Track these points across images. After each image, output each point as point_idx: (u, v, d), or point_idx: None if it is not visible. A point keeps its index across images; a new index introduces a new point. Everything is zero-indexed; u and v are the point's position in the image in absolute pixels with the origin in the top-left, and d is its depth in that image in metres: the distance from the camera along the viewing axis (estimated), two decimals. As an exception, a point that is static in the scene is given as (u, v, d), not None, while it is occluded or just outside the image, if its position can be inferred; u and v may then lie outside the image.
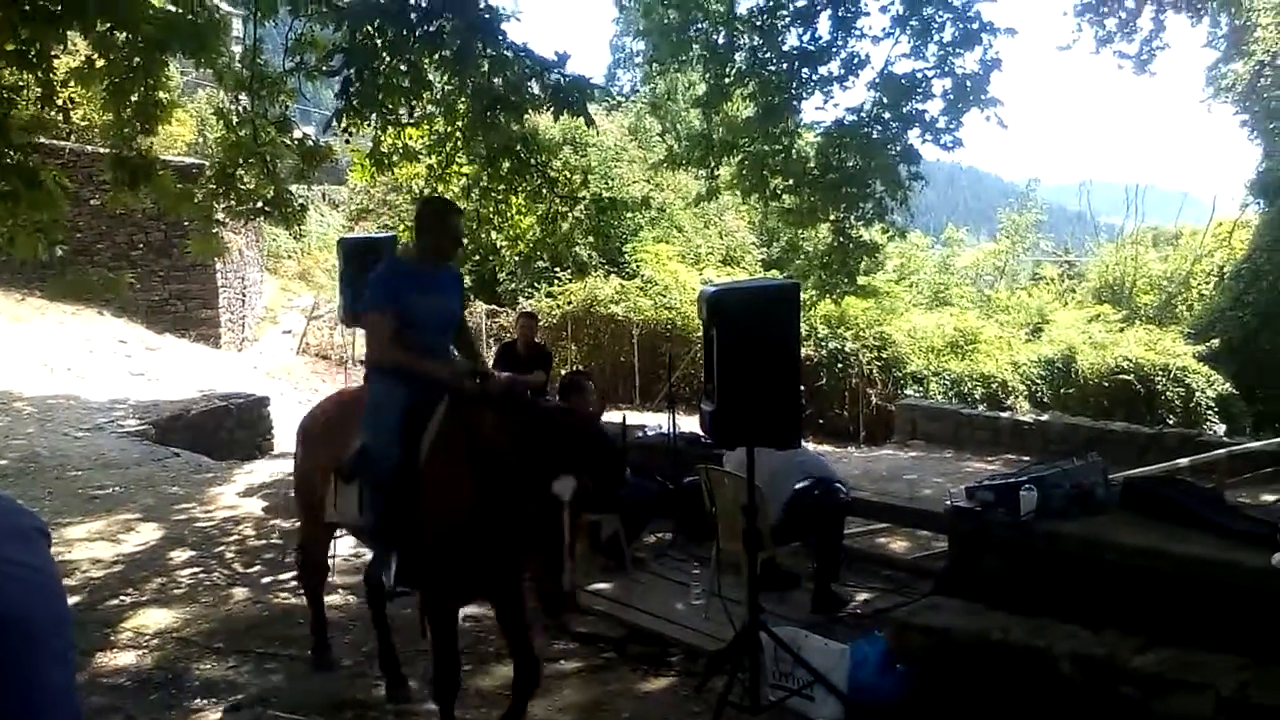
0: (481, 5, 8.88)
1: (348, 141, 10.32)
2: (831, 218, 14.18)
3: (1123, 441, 14.68)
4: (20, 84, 8.66)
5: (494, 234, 12.27)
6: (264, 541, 8.88)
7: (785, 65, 13.40)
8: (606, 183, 26.21)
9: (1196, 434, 16.05)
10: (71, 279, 19.48)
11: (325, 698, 5.55)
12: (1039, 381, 21.38)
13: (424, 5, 8.72)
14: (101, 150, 15.33)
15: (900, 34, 13.19)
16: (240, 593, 7.49)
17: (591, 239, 22.69)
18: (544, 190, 10.96)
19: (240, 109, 10.33)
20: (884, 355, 21.50)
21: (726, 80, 13.84)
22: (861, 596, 7.19)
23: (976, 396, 20.61)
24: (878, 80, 13.28)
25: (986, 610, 5.17)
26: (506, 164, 10.43)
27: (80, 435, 12.85)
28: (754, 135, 13.77)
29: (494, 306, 24.58)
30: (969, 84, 12.80)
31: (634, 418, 11.17)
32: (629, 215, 25.83)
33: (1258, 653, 4.35)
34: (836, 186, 13.51)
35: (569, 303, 23.20)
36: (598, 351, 22.60)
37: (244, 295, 24.62)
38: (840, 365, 21.07)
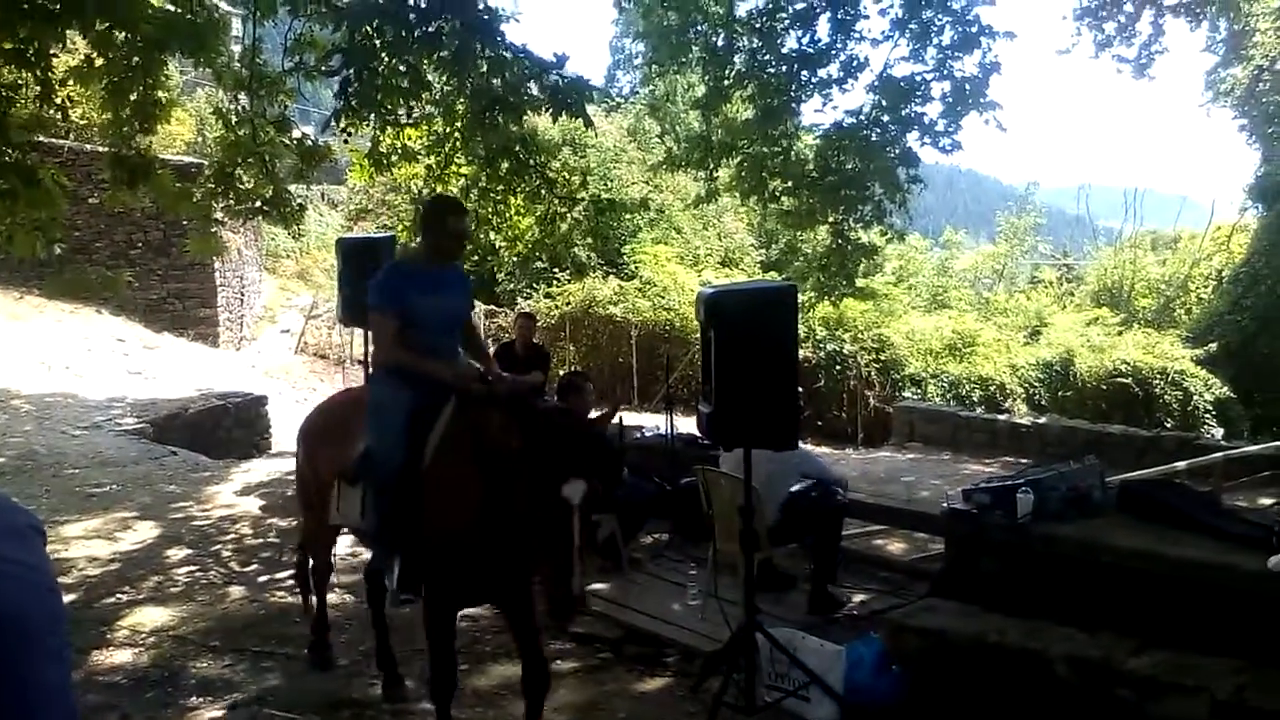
0: (480, 6, 8.89)
1: (346, 141, 10.33)
2: (830, 220, 14.21)
3: (1120, 444, 14.71)
4: (19, 82, 8.67)
5: (492, 234, 12.26)
6: (261, 540, 8.87)
7: (784, 68, 13.42)
8: (605, 184, 26.23)
9: (1194, 437, 16.10)
10: (70, 277, 19.46)
11: (322, 696, 5.54)
12: (1037, 384, 21.42)
13: (423, 6, 8.72)
14: (100, 149, 15.31)
15: (899, 37, 13.22)
16: (237, 591, 7.48)
17: (590, 240, 22.67)
18: (543, 191, 10.96)
19: (239, 108, 10.34)
20: (882, 357, 21.53)
21: (726, 82, 13.86)
22: (858, 598, 7.19)
23: (974, 399, 20.65)
24: (877, 83, 13.31)
25: (982, 612, 5.17)
26: (505, 164, 10.44)
27: (78, 433, 12.84)
28: (753, 137, 13.79)
29: (492, 307, 24.58)
30: (968, 87, 12.84)
31: (632, 418, 11.17)
32: (628, 216, 25.85)
33: (1254, 656, 4.35)
34: (835, 189, 13.53)
35: (567, 303, 23.21)
36: (596, 352, 22.62)
37: (242, 294, 24.61)
38: (838, 367, 21.09)
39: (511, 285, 25.60)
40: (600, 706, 5.48)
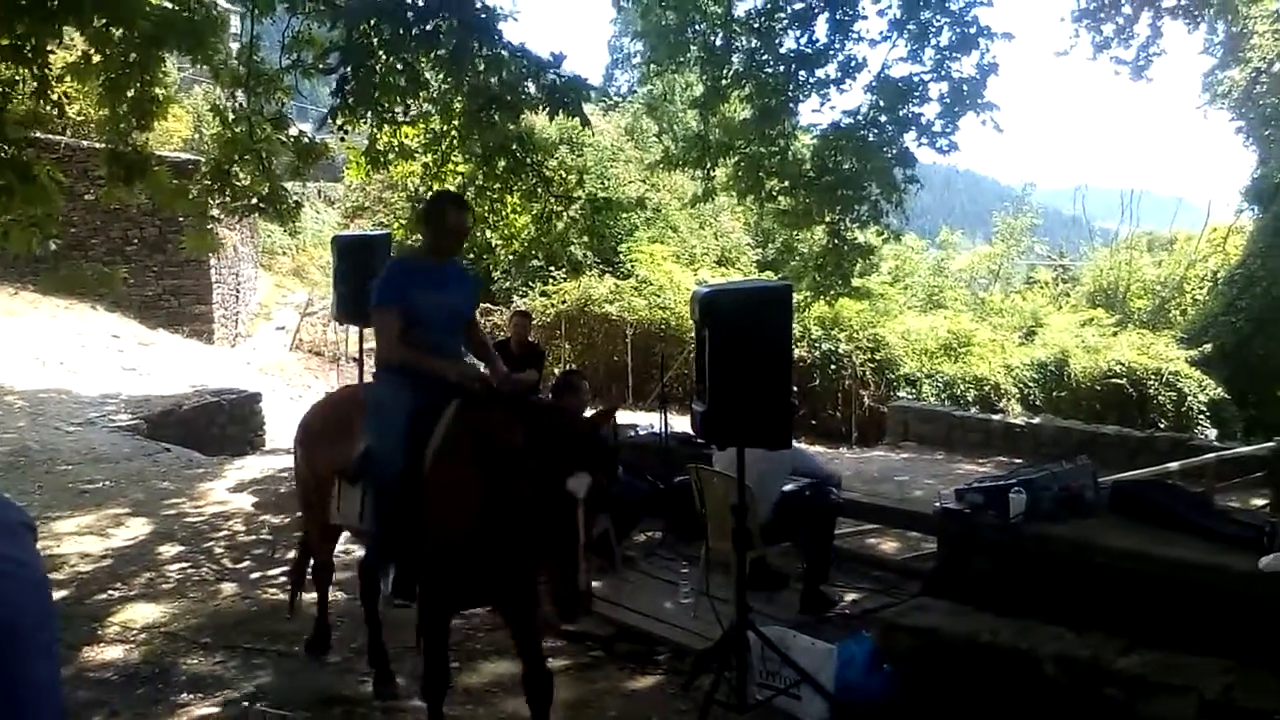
0: (478, 5, 8.89)
1: (343, 139, 10.33)
2: (827, 220, 14.21)
3: (1114, 445, 14.73)
4: (16, 78, 8.67)
5: (489, 232, 12.27)
6: (254, 537, 8.88)
7: (782, 68, 13.42)
8: (602, 183, 26.22)
9: (1188, 438, 16.12)
10: (65, 273, 19.47)
11: (313, 693, 5.55)
12: (1031, 384, 21.45)
13: (420, 4, 8.72)
14: (97, 145, 15.30)
15: (897, 38, 13.22)
16: (229, 588, 7.49)
17: (586, 239, 22.65)
18: (539, 189, 10.96)
19: (236, 105, 10.34)
20: (877, 357, 21.54)
21: (724, 82, 13.86)
22: (850, 597, 7.20)
23: (969, 399, 20.67)
24: (874, 83, 13.31)
25: (974, 611, 5.18)
26: (502, 163, 10.44)
27: (71, 430, 12.84)
28: (750, 137, 13.79)
29: (488, 305, 24.55)
30: (965, 88, 12.84)
31: (626, 417, 11.17)
32: (624, 215, 25.84)
33: (1243, 656, 4.36)
34: (832, 189, 13.53)
35: (563, 302, 23.20)
36: (591, 351, 22.61)
37: (238, 291, 24.62)
38: (834, 366, 21.10)
39: (507, 283, 25.57)
40: (592, 704, 5.49)
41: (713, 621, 5.83)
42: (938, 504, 5.90)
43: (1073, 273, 35.31)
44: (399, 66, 9.09)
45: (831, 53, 13.32)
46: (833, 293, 15.42)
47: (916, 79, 13.07)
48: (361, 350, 10.34)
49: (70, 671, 5.69)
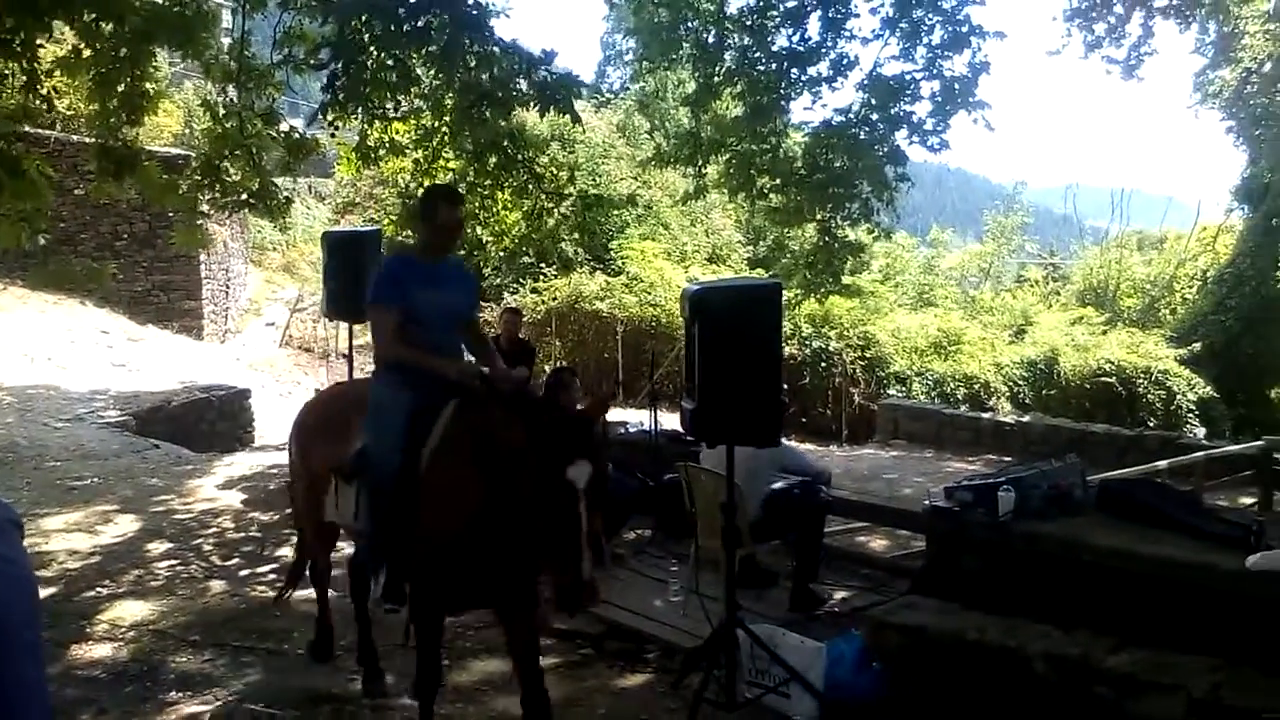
0: (469, 1, 8.87)
1: (333, 135, 10.32)
2: (818, 217, 14.21)
3: (1103, 443, 14.78)
4: (5, 72, 8.63)
5: (480, 229, 12.25)
6: (242, 534, 8.86)
7: (774, 65, 13.43)
8: (594, 179, 26.18)
9: (1176, 436, 16.17)
10: (54, 268, 19.40)
11: (302, 691, 5.54)
12: (1021, 383, 21.47)
13: (411, 0, 8.70)
14: (87, 140, 15.25)
15: (890, 36, 13.23)
16: (218, 585, 7.47)
17: (577, 235, 22.62)
18: (530, 186, 10.96)
19: (227, 101, 10.32)
20: (868, 355, 21.55)
21: (716, 79, 13.86)
22: (839, 595, 7.21)
23: (959, 397, 20.69)
24: (866, 82, 13.32)
25: (962, 610, 5.19)
26: (493, 159, 10.43)
27: (60, 426, 12.80)
28: (742, 134, 13.79)
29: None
30: (957, 87, 12.85)
31: (616, 414, 11.16)
32: (616, 212, 25.79)
33: (1230, 654, 4.38)
34: (823, 186, 13.54)
35: (554, 299, 23.17)
36: (582, 348, 22.58)
37: (228, 287, 24.55)
38: (824, 364, 21.11)
39: (498, 280, 25.52)
40: (581, 702, 5.49)
41: (702, 619, 5.83)
42: (927, 502, 5.91)
43: (1063, 271, 35.35)
44: (390, 62, 9.08)
45: (823, 50, 13.32)
46: (823, 290, 15.43)
47: (908, 77, 13.09)
48: (351, 346, 10.31)
49: (58, 669, 5.68)
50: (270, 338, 25.30)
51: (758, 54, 13.58)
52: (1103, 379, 20.94)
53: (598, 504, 3.87)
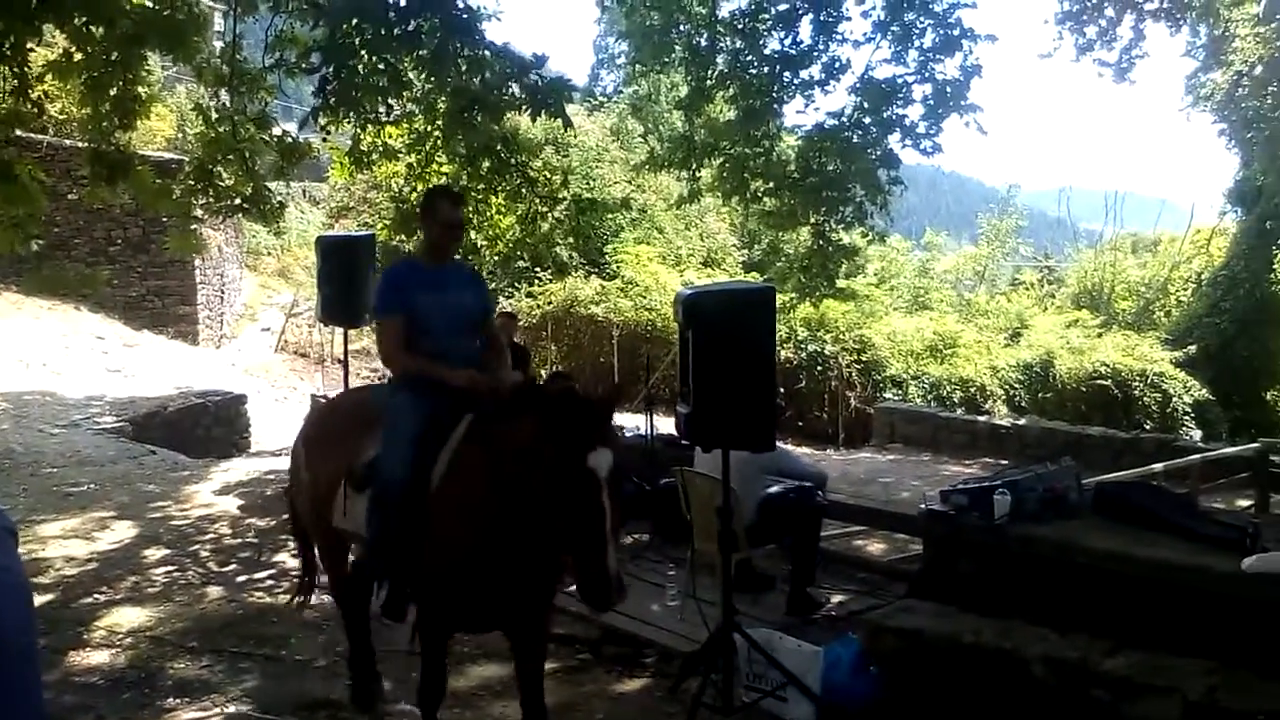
0: (460, 5, 8.87)
1: (325, 139, 10.31)
2: (811, 221, 14.22)
3: (1099, 446, 14.79)
4: (-5, 77, 8.63)
5: (474, 233, 12.25)
6: (239, 540, 8.84)
7: (767, 69, 13.44)
8: (587, 183, 26.20)
9: (1173, 439, 16.19)
10: (48, 274, 19.38)
11: (299, 697, 5.53)
12: (1017, 386, 21.53)
13: (402, 4, 8.70)
14: (80, 144, 15.24)
15: (881, 39, 13.25)
16: (215, 591, 7.46)
17: (572, 239, 22.60)
18: (524, 190, 10.95)
19: (220, 105, 10.31)
20: (863, 358, 21.59)
21: (708, 83, 13.88)
22: (836, 599, 7.20)
23: (955, 400, 20.74)
24: (858, 85, 13.34)
25: (959, 613, 5.18)
26: (486, 163, 10.42)
27: (55, 432, 12.78)
28: (735, 138, 13.80)
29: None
30: (949, 90, 12.87)
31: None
32: (610, 216, 25.82)
33: (1226, 657, 4.38)
34: (817, 190, 13.55)
35: (549, 303, 23.20)
36: (577, 352, 22.61)
37: (223, 292, 24.53)
38: (820, 368, 21.14)
39: (493, 284, 25.53)
40: (578, 707, 5.48)
41: (699, 624, 5.82)
42: (922, 505, 5.91)
43: (1058, 274, 35.46)
44: (381, 66, 9.07)
45: (816, 54, 13.34)
46: (818, 294, 15.45)
47: (900, 80, 13.11)
48: (346, 351, 10.32)
49: (56, 676, 5.67)
50: (266, 343, 25.29)
51: (750, 57, 13.59)
52: (1098, 382, 21.01)
53: (618, 494, 3.74)
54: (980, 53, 12.84)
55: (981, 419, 17.70)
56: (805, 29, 13.38)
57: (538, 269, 24.20)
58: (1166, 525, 5.00)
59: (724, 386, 4.98)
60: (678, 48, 14.05)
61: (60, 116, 19.65)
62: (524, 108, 9.39)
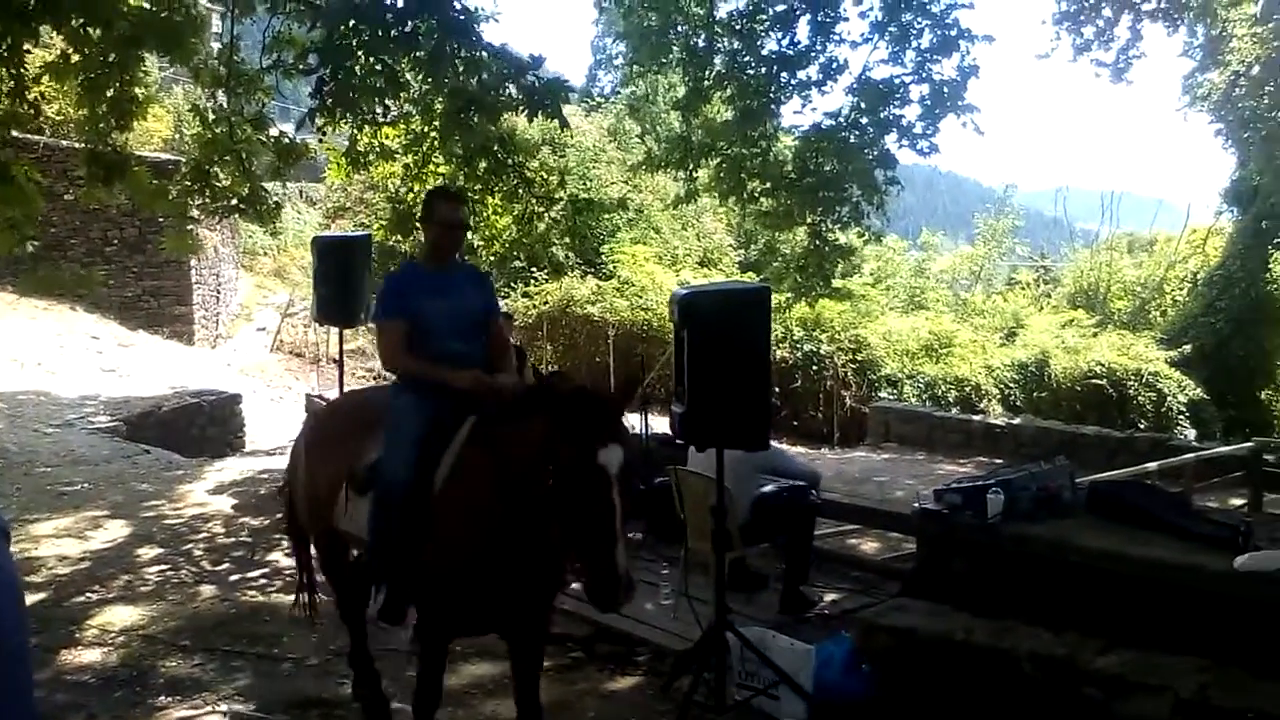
0: (457, 6, 8.87)
1: (321, 140, 10.31)
2: (808, 221, 14.23)
3: (1094, 445, 14.81)
4: (-8, 78, 8.62)
5: (470, 234, 12.24)
6: (233, 539, 8.84)
7: (764, 69, 13.45)
8: (584, 184, 26.22)
9: (1167, 438, 16.21)
10: (44, 274, 19.37)
11: (291, 696, 5.53)
12: (1012, 385, 21.54)
13: (399, 5, 8.70)
14: (76, 145, 15.23)
15: (879, 40, 13.26)
16: (208, 590, 7.46)
17: (568, 239, 22.61)
18: (521, 190, 10.94)
19: (217, 106, 10.31)
20: (859, 358, 21.59)
21: (706, 83, 13.88)
22: (829, 597, 7.22)
23: (950, 399, 20.75)
24: (856, 85, 13.35)
25: (952, 611, 5.20)
26: (483, 164, 10.41)
27: (50, 431, 12.78)
28: (732, 138, 13.81)
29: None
30: (946, 90, 12.88)
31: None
32: (607, 216, 25.84)
33: (1218, 655, 4.39)
34: (813, 190, 13.56)
35: (545, 303, 23.20)
36: (573, 352, 22.62)
37: (218, 292, 24.53)
38: (815, 367, 21.15)
39: (489, 285, 25.53)
40: (572, 705, 5.48)
41: (692, 622, 5.83)
42: (916, 504, 5.92)
43: (1054, 274, 35.52)
44: (378, 68, 9.06)
45: (813, 54, 13.35)
46: (814, 294, 15.46)
47: (898, 81, 13.12)
48: (342, 351, 10.32)
49: (48, 674, 5.67)
50: (261, 343, 25.29)
51: (747, 58, 13.60)
52: (1093, 381, 21.03)
53: (628, 491, 3.68)
54: (977, 53, 12.86)
55: (976, 418, 17.71)
56: (803, 30, 13.40)
57: (534, 269, 24.22)
58: (1160, 524, 5.02)
59: (719, 386, 4.99)
60: (675, 48, 14.06)
61: (57, 117, 19.63)
62: (521, 108, 9.39)
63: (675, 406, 5.26)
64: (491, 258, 16.06)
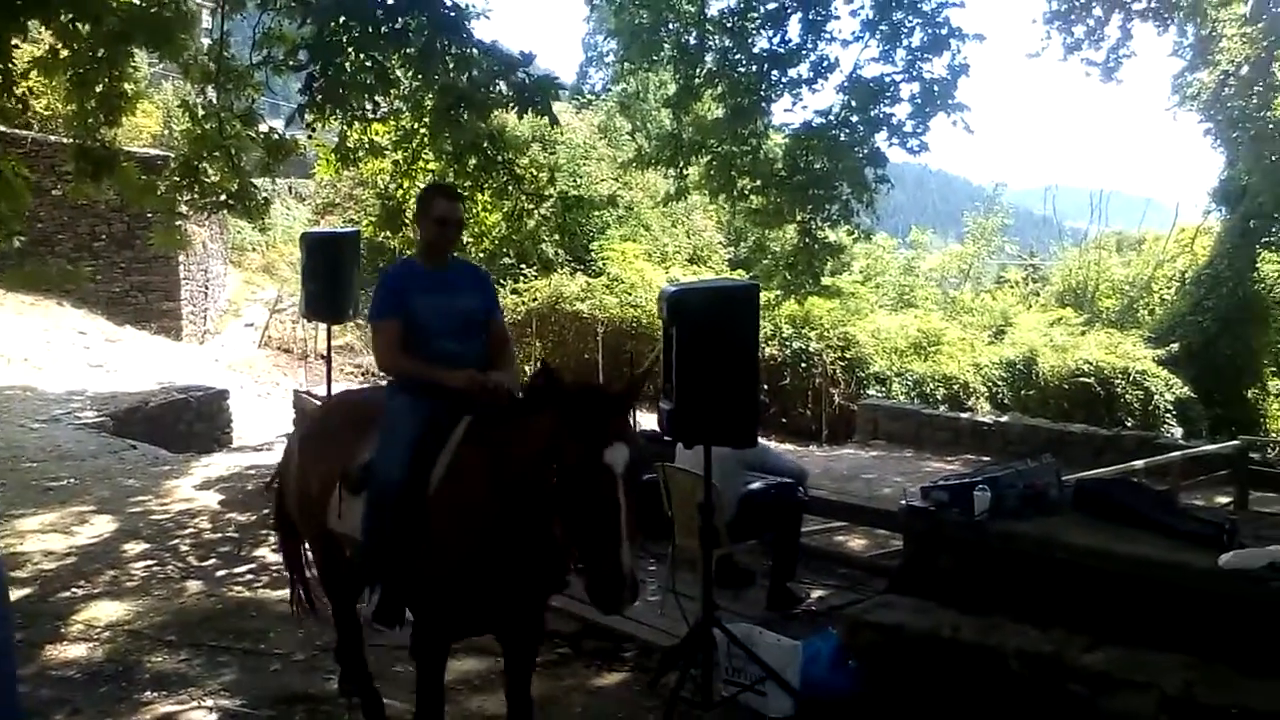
0: (448, 3, 8.87)
1: (311, 136, 10.29)
2: (798, 219, 14.26)
3: (1081, 443, 14.85)
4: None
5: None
6: (219, 535, 8.81)
7: (755, 67, 13.48)
8: (574, 180, 26.20)
9: (1154, 436, 16.27)
10: (30, 269, 19.30)
11: (278, 691, 5.52)
12: (1000, 383, 21.58)
13: (389, 2, 8.69)
14: (64, 140, 15.18)
15: (870, 38, 13.30)
16: (194, 586, 7.44)
17: (558, 236, 22.65)
18: (510, 187, 10.92)
19: (206, 102, 10.29)
20: (848, 355, 21.61)
21: (696, 81, 13.91)
22: (817, 594, 7.23)
23: (938, 397, 20.78)
24: (846, 84, 13.39)
25: (939, 608, 5.21)
26: (473, 161, 10.40)
27: (36, 426, 12.74)
28: (723, 136, 13.83)
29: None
30: (936, 89, 12.92)
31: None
32: (596, 213, 25.82)
33: (1203, 652, 4.41)
34: (803, 188, 13.59)
35: (534, 300, 23.16)
36: (562, 349, 22.57)
37: (206, 288, 24.47)
38: (804, 365, 21.16)
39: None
40: (558, 701, 5.48)
41: (679, 618, 5.83)
42: (904, 502, 5.93)
43: (1042, 272, 35.58)
44: (368, 64, 9.05)
45: (804, 53, 13.38)
46: (803, 291, 15.48)
47: (888, 79, 13.16)
48: (330, 347, 10.30)
49: (33, 670, 5.65)
50: (249, 338, 25.22)
51: (738, 56, 13.63)
52: (1081, 379, 21.08)
53: (634, 490, 3.63)
54: (968, 52, 12.93)
55: (964, 416, 17.73)
56: (794, 28, 13.46)
57: (523, 266, 24.17)
58: (1146, 522, 5.03)
59: (707, 383, 4.99)
60: (666, 46, 14.07)
61: (45, 112, 19.63)
62: (511, 105, 9.38)
63: (663, 403, 5.25)
64: (481, 254, 16.08)
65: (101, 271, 20.85)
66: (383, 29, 8.71)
